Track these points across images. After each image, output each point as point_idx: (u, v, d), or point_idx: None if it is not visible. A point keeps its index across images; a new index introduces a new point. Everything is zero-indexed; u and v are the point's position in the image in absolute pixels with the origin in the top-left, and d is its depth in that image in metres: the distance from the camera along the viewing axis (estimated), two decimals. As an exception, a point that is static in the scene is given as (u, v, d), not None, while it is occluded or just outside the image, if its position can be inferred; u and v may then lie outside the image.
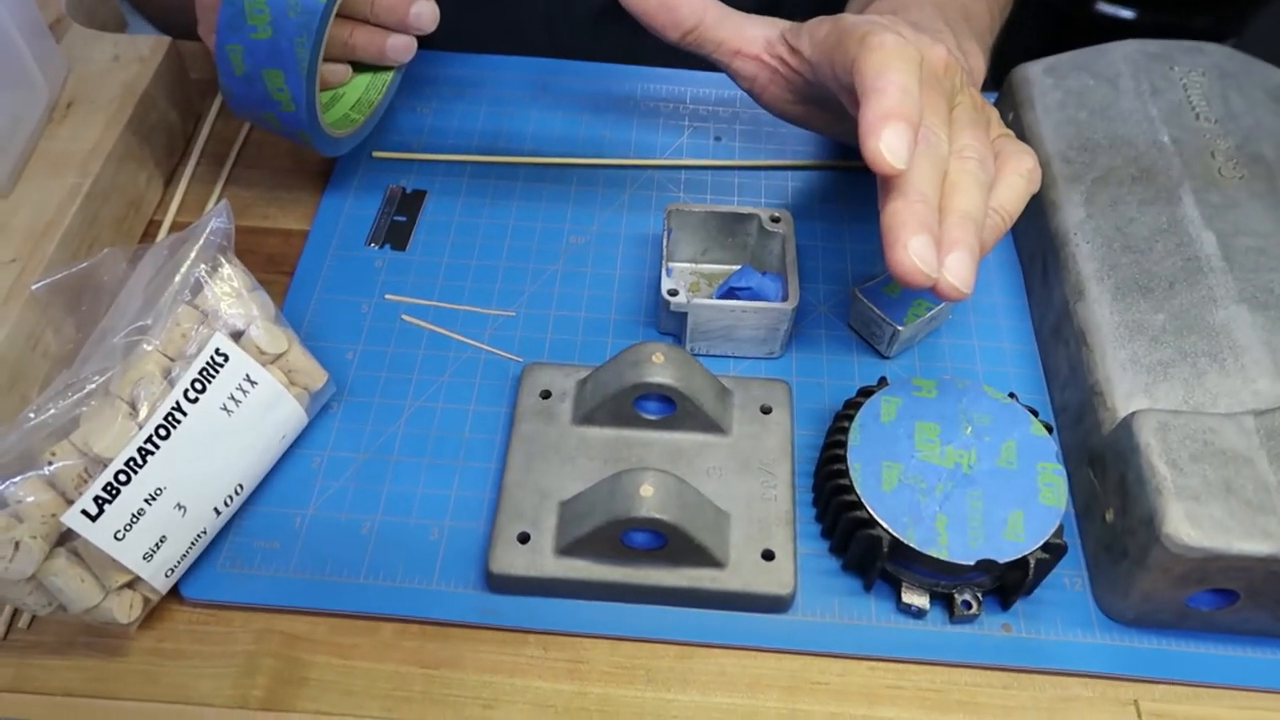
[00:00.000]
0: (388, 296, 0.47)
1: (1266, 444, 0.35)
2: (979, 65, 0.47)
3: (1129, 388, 0.39)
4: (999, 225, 0.38)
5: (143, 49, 0.52)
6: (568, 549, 0.37)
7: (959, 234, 0.35)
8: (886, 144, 0.34)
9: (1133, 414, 0.37)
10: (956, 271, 0.35)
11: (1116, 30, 1.14)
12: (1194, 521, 0.34)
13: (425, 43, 0.50)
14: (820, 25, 0.42)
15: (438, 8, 0.47)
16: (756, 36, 0.44)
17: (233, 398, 0.37)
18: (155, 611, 0.37)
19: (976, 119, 0.40)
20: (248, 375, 0.37)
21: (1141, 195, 0.45)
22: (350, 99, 0.50)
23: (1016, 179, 0.39)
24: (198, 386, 0.36)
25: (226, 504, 0.38)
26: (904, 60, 0.36)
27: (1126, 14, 1.18)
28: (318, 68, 0.43)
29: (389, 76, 0.51)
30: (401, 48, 0.48)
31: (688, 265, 0.48)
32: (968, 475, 0.37)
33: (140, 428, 0.34)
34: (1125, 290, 0.42)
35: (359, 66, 0.50)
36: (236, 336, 0.38)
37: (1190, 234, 0.43)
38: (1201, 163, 0.45)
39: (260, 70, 0.42)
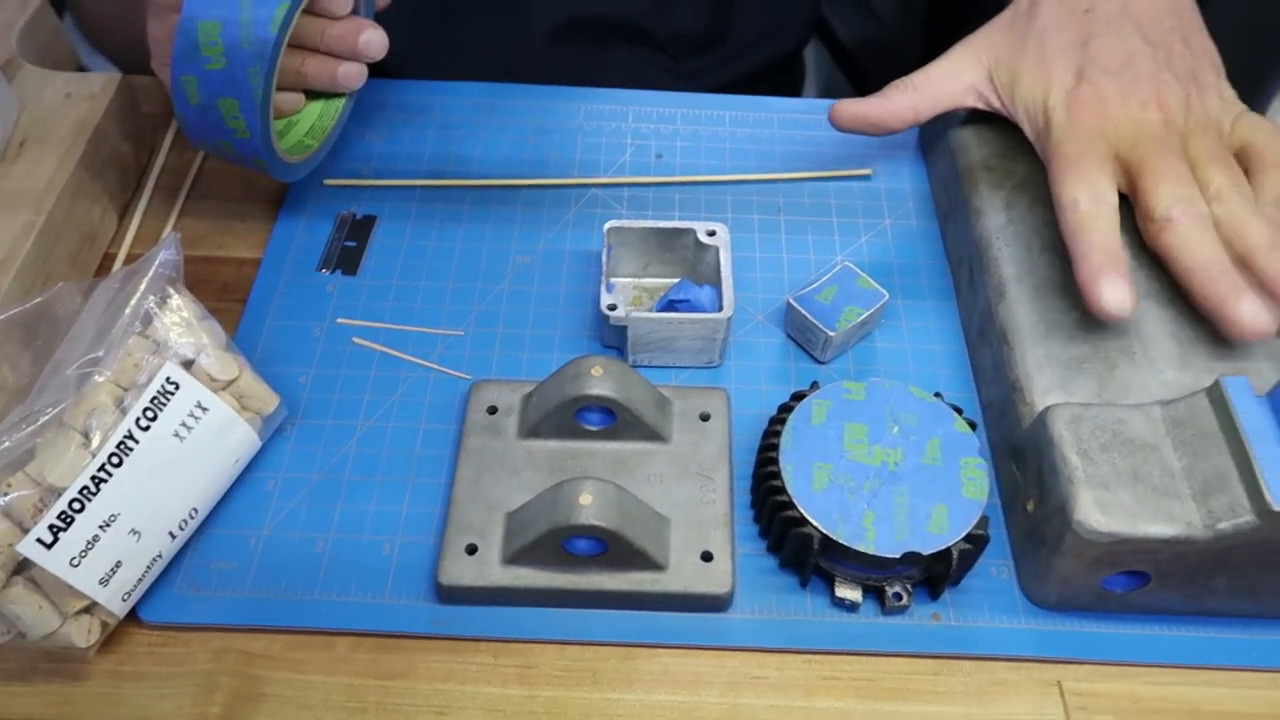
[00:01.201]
0: (339, 320, 0.48)
1: (1172, 432, 0.37)
2: (1204, 48, 0.46)
3: (1046, 383, 0.41)
4: None
5: (94, 86, 0.53)
6: (514, 558, 0.39)
7: (1278, 263, 0.38)
8: (1108, 300, 0.38)
9: (1048, 408, 0.39)
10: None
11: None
12: (1103, 508, 0.36)
13: (378, 70, 0.51)
14: (1035, 116, 0.45)
15: (386, 36, 0.49)
16: (965, 89, 0.47)
17: (185, 425, 0.38)
18: (114, 635, 0.38)
19: (1212, 148, 0.42)
20: (199, 402, 0.39)
21: (1058, 199, 0.47)
22: (304, 126, 0.51)
23: (1277, 170, 0.41)
24: (149, 415, 0.37)
25: (182, 528, 0.39)
26: (1101, 215, 0.39)
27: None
28: (271, 96, 0.44)
29: (341, 103, 0.52)
30: (353, 75, 0.50)
31: (630, 280, 0.49)
32: (894, 473, 0.39)
33: (93, 456, 0.36)
34: (1043, 290, 0.44)
35: (312, 94, 0.51)
36: (188, 365, 0.39)
37: (1103, 234, 0.45)
38: (1114, 166, 0.47)
39: (215, 100, 0.44)
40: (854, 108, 0.48)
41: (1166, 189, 0.40)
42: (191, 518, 0.39)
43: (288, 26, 0.43)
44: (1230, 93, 0.45)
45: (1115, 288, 0.38)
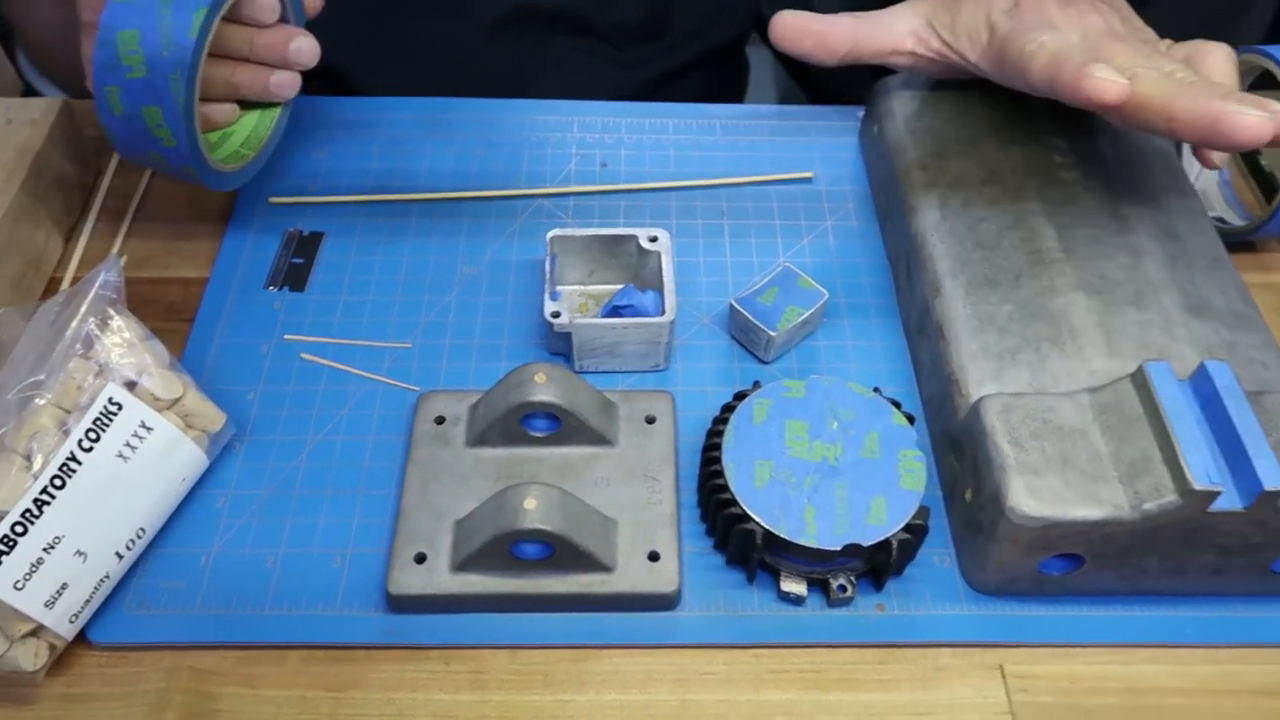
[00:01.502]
0: (287, 337, 0.49)
1: (1099, 418, 0.39)
2: (1123, 4, 0.48)
3: (980, 375, 0.42)
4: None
5: (34, 111, 0.53)
6: (462, 565, 0.39)
7: (1250, 97, 0.37)
8: (1101, 74, 0.37)
9: (980, 399, 0.40)
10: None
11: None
12: (1034, 494, 0.37)
13: (323, 70, 0.51)
14: (978, 32, 0.45)
15: (317, 43, 0.49)
16: (905, 33, 0.48)
17: (129, 444, 0.38)
18: (63, 658, 0.38)
19: (1156, 47, 0.43)
20: (143, 422, 0.39)
21: (990, 196, 0.48)
22: (240, 136, 0.51)
23: (1224, 65, 0.42)
24: (92, 436, 0.37)
25: (129, 548, 0.39)
26: (1069, 43, 0.39)
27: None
28: (195, 102, 0.44)
29: (277, 112, 0.52)
30: (286, 84, 0.50)
31: (576, 288, 0.50)
32: (834, 467, 0.40)
33: (35, 479, 0.36)
34: (977, 284, 0.45)
35: (247, 104, 0.51)
36: (131, 386, 0.39)
37: (1034, 228, 0.46)
38: (1043, 162, 0.49)
39: (139, 108, 0.44)
40: (797, 19, 0.48)
41: (1125, 58, 0.40)
42: (139, 537, 0.39)
43: (207, 33, 0.43)
44: (1153, 33, 0.46)
45: (1105, 69, 0.38)
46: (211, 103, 0.49)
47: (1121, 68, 0.39)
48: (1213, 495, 0.35)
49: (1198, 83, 0.39)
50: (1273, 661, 0.39)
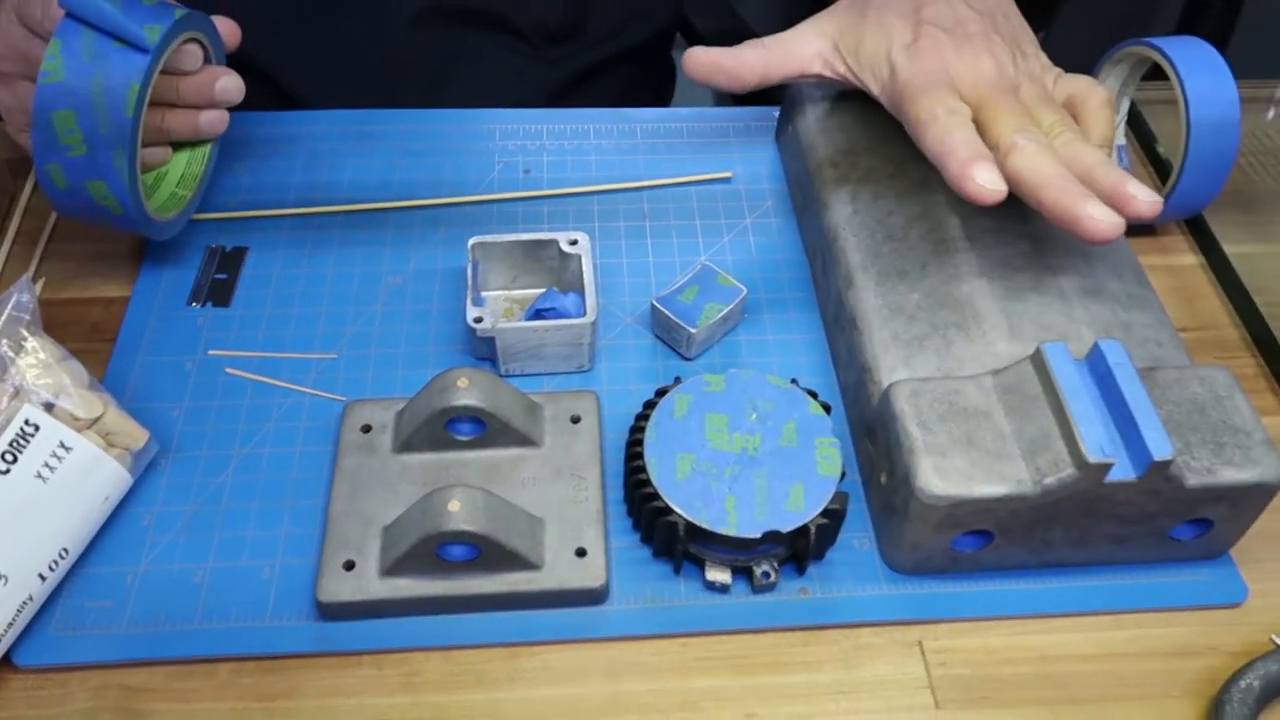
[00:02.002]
0: (211, 352, 0.49)
1: (1002, 399, 0.40)
2: (1021, 24, 0.50)
3: (891, 362, 0.43)
4: (1109, 155, 0.43)
5: (-55, 135, 0.52)
6: (391, 570, 0.39)
7: (1115, 174, 0.41)
8: (983, 180, 0.40)
9: (890, 385, 0.41)
10: (1139, 198, 0.40)
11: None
12: (941, 474, 0.38)
13: (247, 84, 0.51)
14: (879, 68, 0.47)
15: (241, 81, 0.50)
16: (812, 55, 0.49)
17: (47, 465, 0.38)
18: (-12, 682, 0.38)
19: (1041, 94, 0.45)
20: (61, 442, 0.39)
21: (898, 189, 0.49)
22: (174, 176, 0.52)
23: (1100, 112, 0.45)
24: (9, 458, 0.37)
25: (52, 569, 0.39)
26: (958, 122, 0.42)
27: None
28: (138, 172, 0.45)
29: (208, 148, 0.53)
30: (215, 121, 0.50)
31: (501, 293, 0.50)
32: (753, 457, 0.41)
33: (-49, 504, 0.36)
34: (886, 275, 0.46)
35: (178, 144, 0.52)
36: (49, 407, 0.39)
37: (939, 219, 0.47)
38: (947, 155, 0.50)
39: (83, 183, 0.44)
40: (708, 55, 0.49)
41: (1007, 121, 0.42)
42: (62, 558, 0.39)
43: (142, 106, 0.44)
44: (1047, 61, 0.48)
45: (987, 170, 0.40)
46: (145, 148, 0.49)
47: (1002, 134, 0.42)
48: (1107, 467, 0.37)
49: (1069, 163, 0.41)
50: (1174, 624, 0.41)
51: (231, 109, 0.51)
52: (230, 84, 0.49)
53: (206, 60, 0.49)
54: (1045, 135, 0.43)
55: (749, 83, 0.49)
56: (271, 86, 0.65)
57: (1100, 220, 0.39)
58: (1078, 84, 0.47)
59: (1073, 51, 0.65)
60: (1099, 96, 0.46)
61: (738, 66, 0.49)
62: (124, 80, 0.43)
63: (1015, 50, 0.47)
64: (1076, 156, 0.42)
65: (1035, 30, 0.50)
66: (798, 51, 0.50)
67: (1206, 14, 1.27)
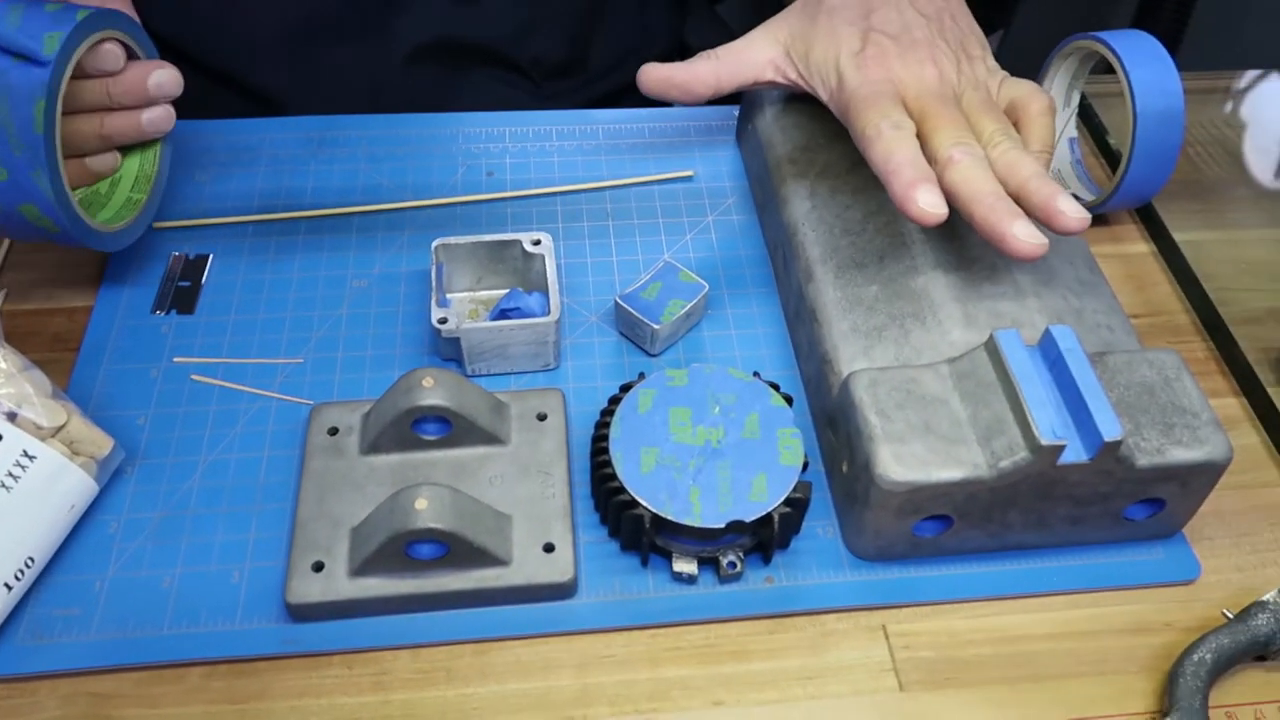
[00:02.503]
0: (176, 359, 0.49)
1: (958, 385, 0.41)
2: (970, 26, 0.51)
3: (851, 353, 0.44)
4: (1049, 161, 0.46)
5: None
6: (359, 570, 0.40)
7: (1047, 189, 0.42)
8: (925, 204, 0.40)
9: (850, 374, 0.42)
10: (1067, 213, 0.41)
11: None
12: (899, 460, 0.39)
13: (252, 98, 0.50)
14: (828, 75, 0.48)
15: (178, 72, 0.48)
16: (765, 63, 0.50)
17: (11, 474, 0.38)
18: (-46, 693, 0.38)
19: (983, 101, 0.46)
20: (24, 451, 0.39)
21: (855, 184, 0.50)
22: (128, 180, 0.51)
23: (1041, 119, 0.46)
24: (-28, 468, 0.37)
25: (18, 578, 0.39)
26: (902, 138, 0.43)
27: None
28: (65, 189, 0.44)
29: (158, 148, 0.52)
30: (159, 119, 0.49)
31: (466, 294, 0.51)
32: (717, 449, 0.42)
33: (-87, 515, 0.35)
34: (845, 268, 0.47)
35: (127, 148, 0.51)
36: (12, 417, 0.39)
37: (895, 213, 0.48)
38: (902, 149, 0.51)
39: (14, 208, 0.44)
40: (660, 71, 0.50)
41: (946, 133, 0.43)
42: (28, 567, 0.39)
43: (53, 121, 0.42)
44: (994, 64, 0.49)
45: (929, 193, 0.41)
46: (94, 156, 0.48)
47: (940, 147, 0.43)
48: (1059, 449, 0.38)
49: (1006, 174, 0.43)
50: (1130, 602, 0.42)
51: (229, 115, 0.50)
52: (165, 78, 0.48)
53: (134, 57, 0.48)
54: (985, 144, 0.44)
55: (702, 95, 0.50)
56: (272, 109, 0.64)
57: (1024, 240, 0.40)
58: (1021, 89, 0.47)
59: (1031, 48, 0.66)
60: (1040, 103, 0.46)
61: (690, 80, 0.50)
62: (28, 97, 0.41)
63: (961, 54, 0.48)
64: (1013, 168, 0.43)
65: (994, 28, 0.51)
66: (750, 60, 0.50)
67: (1161, 10, 1.30)
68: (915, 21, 0.48)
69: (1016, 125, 0.46)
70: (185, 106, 0.51)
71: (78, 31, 0.43)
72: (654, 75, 0.50)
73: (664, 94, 0.51)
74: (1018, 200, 0.42)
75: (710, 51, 0.51)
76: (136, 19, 0.49)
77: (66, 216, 0.44)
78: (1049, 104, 0.46)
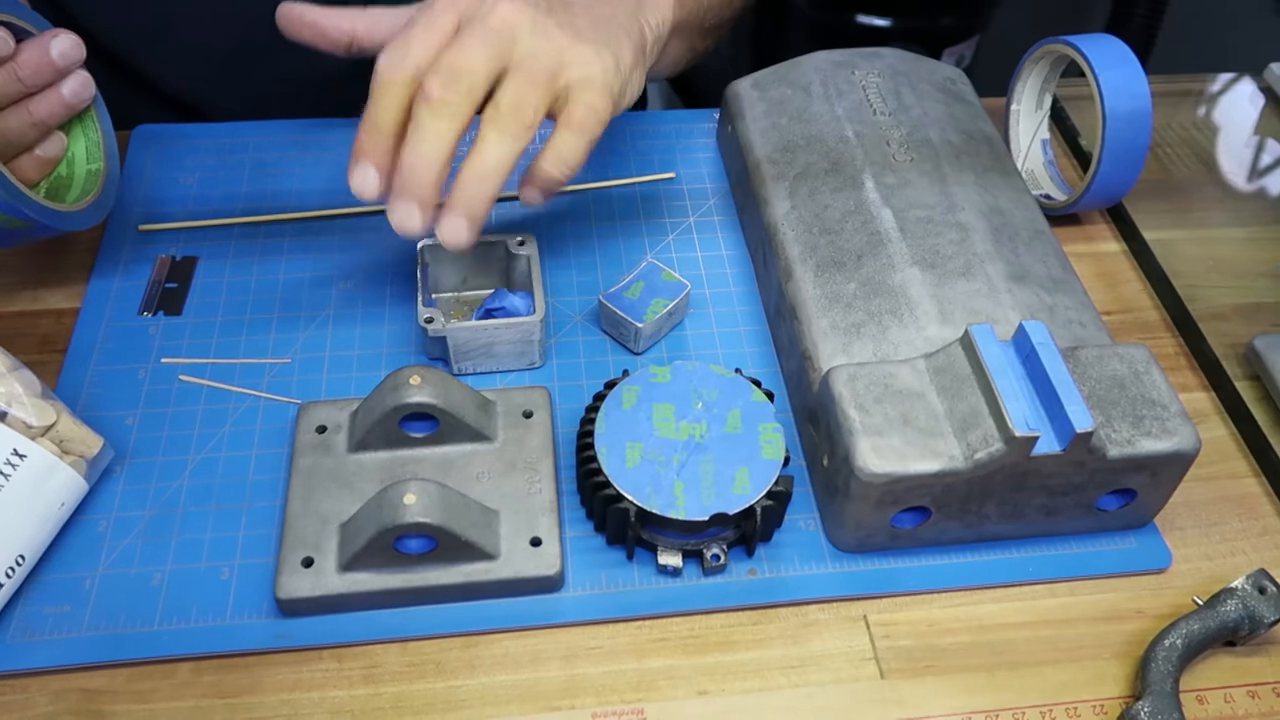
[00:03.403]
0: (164, 360, 0.49)
1: (935, 380, 0.42)
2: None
3: (830, 349, 0.45)
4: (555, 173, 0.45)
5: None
6: (349, 565, 0.40)
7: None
8: (354, 183, 0.43)
9: (829, 370, 0.43)
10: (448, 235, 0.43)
11: (876, 37, 1.25)
12: (878, 452, 0.40)
13: (191, 112, 0.50)
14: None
15: (75, 35, 0.47)
16: (396, 29, 0.47)
17: (1, 473, 0.38)
18: (-54, 690, 0.38)
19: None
20: (15, 449, 0.39)
21: (833, 184, 0.51)
22: (80, 155, 0.50)
23: (564, 133, 0.45)
24: (-38, 466, 0.37)
25: (8, 576, 0.39)
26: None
27: (883, 22, 1.30)
28: (13, 182, 0.43)
29: (91, 112, 0.51)
30: (79, 88, 0.47)
31: (451, 295, 0.51)
32: (700, 444, 0.42)
33: (-96, 513, 0.36)
34: (824, 267, 0.48)
35: (64, 125, 0.50)
36: (1, 416, 0.40)
37: (872, 212, 0.49)
38: (879, 151, 0.52)
39: None
40: (295, 9, 0.49)
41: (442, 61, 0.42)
42: (19, 564, 0.39)
43: None
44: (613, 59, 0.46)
45: (364, 175, 0.43)
46: (41, 146, 0.48)
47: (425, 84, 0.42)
48: (1033, 440, 0.39)
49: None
50: (1103, 591, 0.43)
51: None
52: (66, 45, 0.46)
53: (25, 34, 0.46)
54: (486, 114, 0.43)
55: (337, 43, 0.49)
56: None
57: (398, 219, 0.42)
58: (584, 94, 0.45)
59: (1006, 52, 0.67)
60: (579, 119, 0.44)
61: (327, 26, 0.49)
62: None
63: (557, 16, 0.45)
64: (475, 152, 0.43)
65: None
66: (388, 25, 0.49)
67: (1133, 16, 1.32)
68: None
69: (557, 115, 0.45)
70: (120, 115, 0.51)
71: None
72: (291, 12, 0.49)
73: (297, 32, 0.49)
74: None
75: (359, 9, 0.50)
76: None
77: (30, 209, 0.44)
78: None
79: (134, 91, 0.65)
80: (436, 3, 0.44)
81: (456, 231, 0.43)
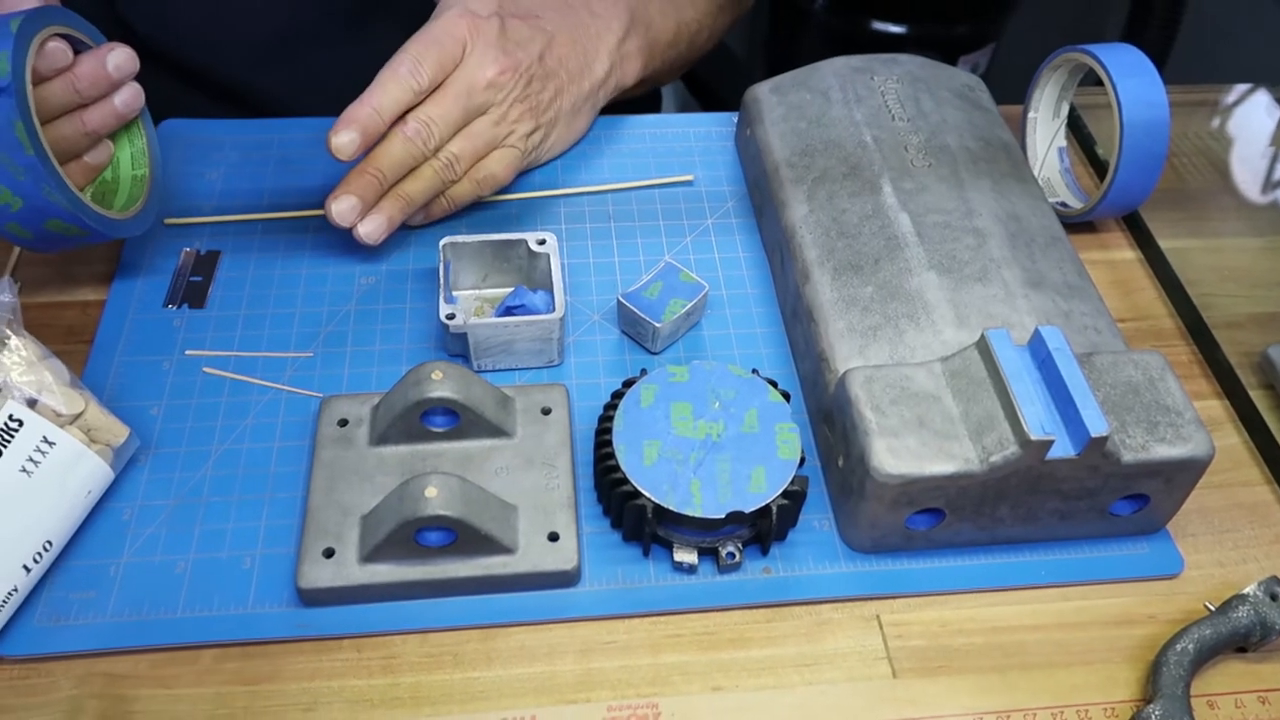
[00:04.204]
0: (188, 352, 0.50)
1: (951, 383, 0.42)
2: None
3: (847, 352, 0.45)
4: (445, 207, 0.55)
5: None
6: (369, 556, 0.41)
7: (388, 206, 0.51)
8: (335, 144, 0.49)
9: (846, 372, 0.43)
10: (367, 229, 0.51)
11: (892, 44, 1.25)
12: (894, 453, 0.40)
13: (231, 103, 0.51)
14: None
15: (131, 50, 0.48)
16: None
17: (31, 460, 0.39)
18: (-27, 672, 0.39)
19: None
20: (45, 437, 0.40)
21: (851, 189, 0.52)
22: (126, 162, 0.52)
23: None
24: (-6, 452, 0.38)
25: (36, 561, 0.40)
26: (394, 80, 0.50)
27: (898, 29, 1.30)
28: (75, 193, 0.45)
29: (137, 121, 0.52)
30: (131, 99, 0.49)
31: (471, 292, 0.52)
32: (717, 443, 0.43)
33: (-63, 497, 0.36)
34: (841, 270, 0.49)
35: (110, 134, 0.51)
36: (32, 404, 0.40)
37: (890, 217, 0.50)
38: (897, 156, 0.53)
39: (40, 227, 0.45)
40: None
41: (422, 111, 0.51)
42: (46, 550, 0.40)
43: (36, 136, 0.43)
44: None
45: (348, 136, 0.49)
46: (89, 154, 0.49)
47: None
48: (1048, 444, 0.39)
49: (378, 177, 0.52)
50: (1115, 595, 0.44)
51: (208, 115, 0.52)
52: (121, 59, 0.47)
53: (83, 46, 0.47)
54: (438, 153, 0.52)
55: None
56: (256, 111, 0.65)
57: (335, 214, 0.50)
58: (473, 141, 0.53)
59: (1022, 61, 0.68)
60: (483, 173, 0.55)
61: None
62: (5, 124, 0.42)
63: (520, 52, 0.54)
64: (415, 177, 0.52)
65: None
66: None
67: (1149, 25, 1.32)
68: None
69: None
70: (159, 106, 0.52)
71: (21, 42, 0.43)
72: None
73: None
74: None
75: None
76: (57, 2, 0.48)
77: (89, 218, 0.46)
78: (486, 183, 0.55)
79: (180, 81, 0.66)
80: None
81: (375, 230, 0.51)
